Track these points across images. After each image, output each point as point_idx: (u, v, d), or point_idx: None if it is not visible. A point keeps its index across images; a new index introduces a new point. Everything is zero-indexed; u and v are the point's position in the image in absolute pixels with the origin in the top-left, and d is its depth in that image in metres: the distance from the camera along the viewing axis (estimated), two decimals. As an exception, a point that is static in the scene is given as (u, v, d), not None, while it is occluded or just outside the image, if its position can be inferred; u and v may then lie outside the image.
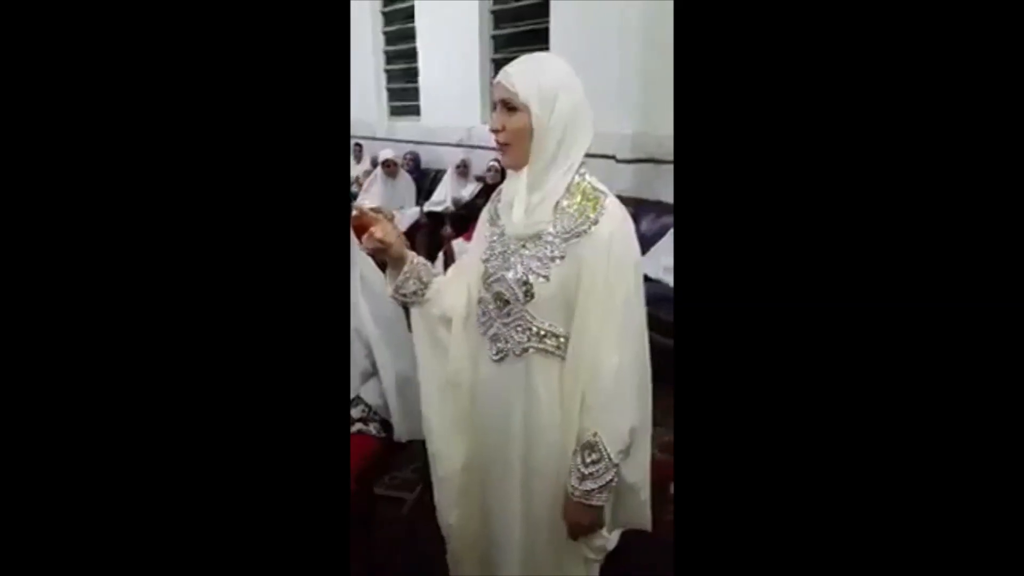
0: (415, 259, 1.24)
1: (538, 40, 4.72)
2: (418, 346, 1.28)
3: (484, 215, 1.27)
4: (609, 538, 1.24)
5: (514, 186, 1.16)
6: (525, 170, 1.13)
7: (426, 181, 5.71)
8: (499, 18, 5.32)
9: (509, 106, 1.09)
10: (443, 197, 5.18)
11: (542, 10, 4.64)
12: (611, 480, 1.11)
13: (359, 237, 1.27)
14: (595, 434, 1.09)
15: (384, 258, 1.24)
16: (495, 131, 1.12)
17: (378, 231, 1.19)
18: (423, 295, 1.24)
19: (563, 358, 1.13)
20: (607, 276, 1.08)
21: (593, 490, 1.10)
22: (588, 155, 1.14)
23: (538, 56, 1.13)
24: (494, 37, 5.37)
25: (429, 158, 5.95)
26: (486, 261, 1.19)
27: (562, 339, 1.13)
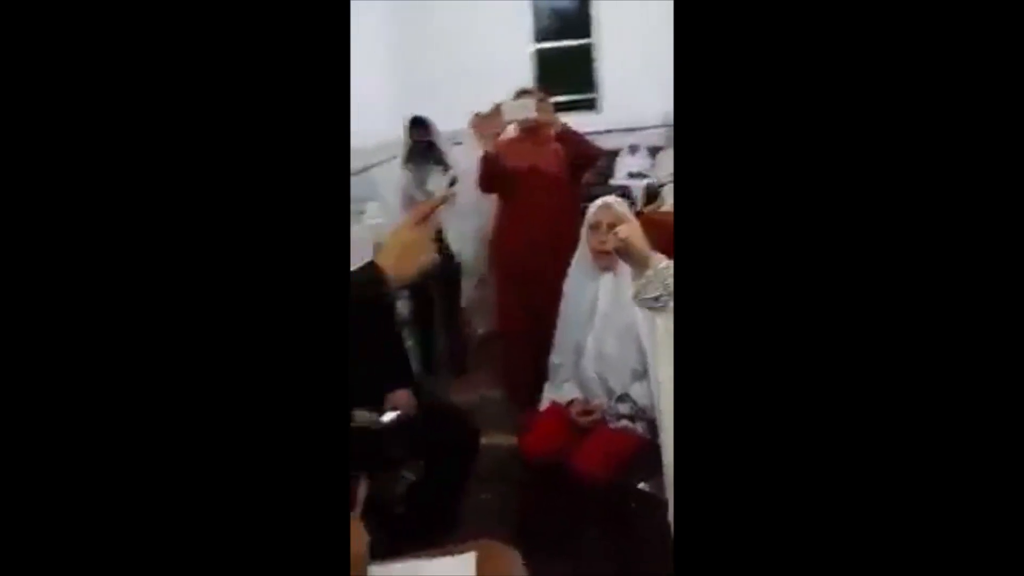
0: (661, 263, 1.13)
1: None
2: (661, 356, 1.17)
3: None
4: None
5: None
6: None
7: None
8: None
9: None
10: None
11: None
12: None
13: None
14: None
15: (627, 261, 1.17)
16: None
17: (623, 230, 1.13)
18: (668, 304, 1.10)
19: None
20: None
21: None
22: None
23: None
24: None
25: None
26: None
27: None
